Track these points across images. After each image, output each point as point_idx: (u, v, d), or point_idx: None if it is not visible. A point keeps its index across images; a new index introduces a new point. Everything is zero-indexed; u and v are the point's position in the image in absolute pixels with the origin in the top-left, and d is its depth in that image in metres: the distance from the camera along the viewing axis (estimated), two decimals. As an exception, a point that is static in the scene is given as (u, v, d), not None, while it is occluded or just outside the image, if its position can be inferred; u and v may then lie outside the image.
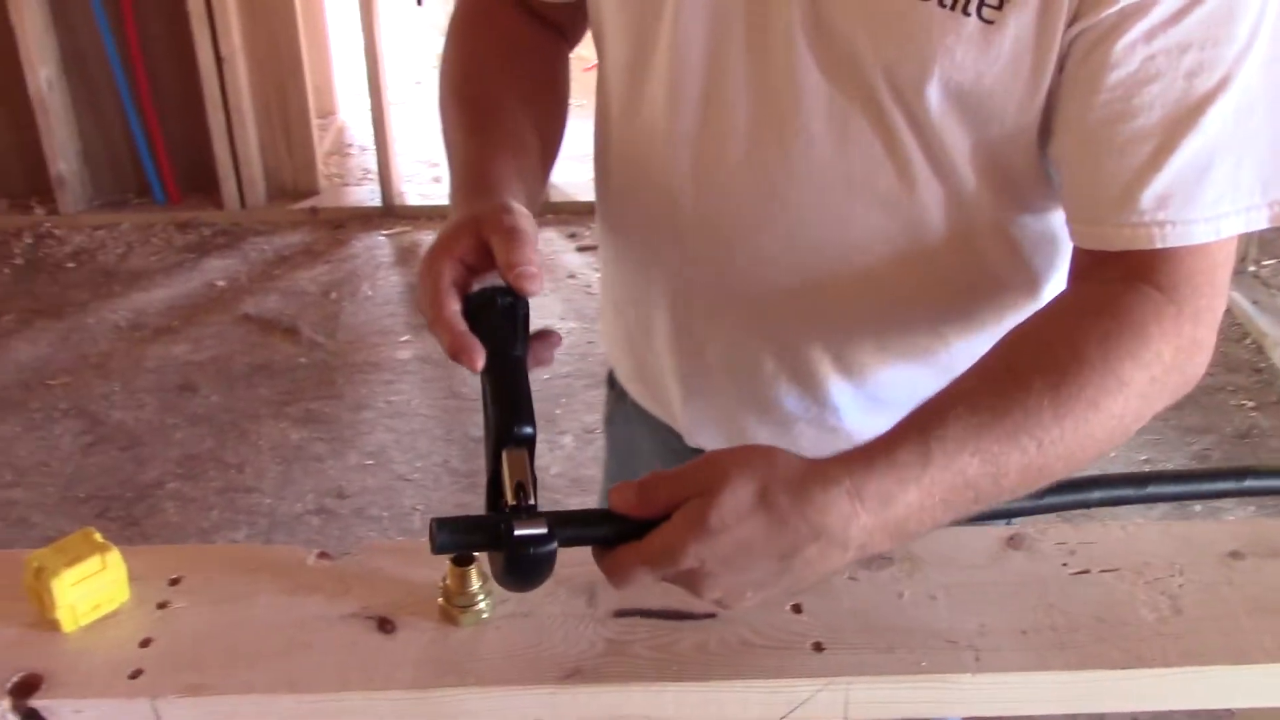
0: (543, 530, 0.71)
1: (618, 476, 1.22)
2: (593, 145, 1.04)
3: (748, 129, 0.88)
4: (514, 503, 0.73)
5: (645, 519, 0.72)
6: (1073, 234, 0.83)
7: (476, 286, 0.81)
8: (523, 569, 0.72)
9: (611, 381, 1.22)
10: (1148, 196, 0.77)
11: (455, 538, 0.73)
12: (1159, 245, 0.78)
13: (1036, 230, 0.92)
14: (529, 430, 0.75)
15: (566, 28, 1.05)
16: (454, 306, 0.78)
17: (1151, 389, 0.78)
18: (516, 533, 0.71)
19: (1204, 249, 0.78)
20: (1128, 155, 0.77)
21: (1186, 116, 0.76)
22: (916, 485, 0.72)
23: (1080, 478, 0.80)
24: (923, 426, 0.74)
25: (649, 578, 0.72)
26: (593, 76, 1.02)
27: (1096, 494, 0.79)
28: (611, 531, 0.73)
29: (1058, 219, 0.89)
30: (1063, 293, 0.85)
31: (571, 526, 0.73)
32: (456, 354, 0.76)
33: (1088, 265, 0.83)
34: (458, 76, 1.00)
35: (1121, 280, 0.79)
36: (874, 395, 0.98)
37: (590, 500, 2.03)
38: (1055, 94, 0.80)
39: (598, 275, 1.14)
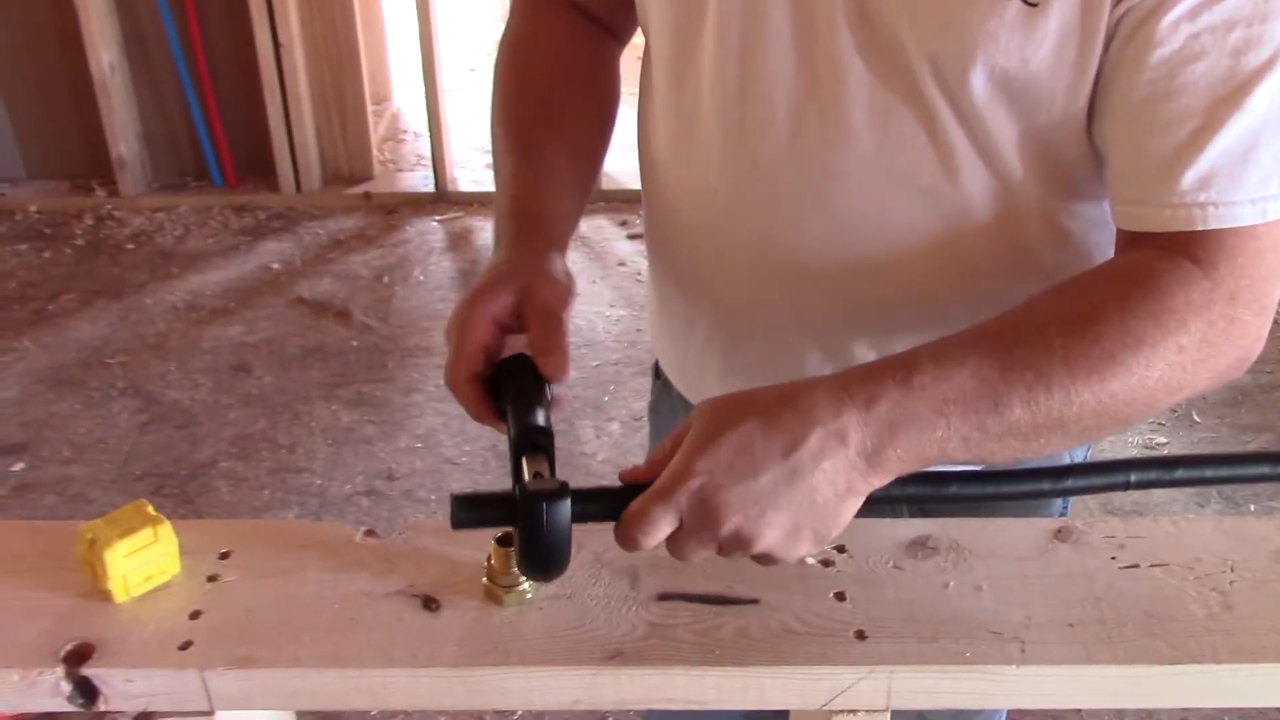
0: (556, 486, 0.72)
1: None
2: (636, 136, 1.04)
3: (788, 120, 0.88)
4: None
5: (654, 477, 0.74)
6: (1114, 215, 0.83)
7: (507, 351, 0.85)
8: (540, 534, 0.72)
9: (657, 371, 1.22)
10: (1190, 177, 0.76)
11: (471, 513, 0.74)
12: (1199, 227, 0.76)
13: (1089, 218, 0.90)
14: (542, 437, 0.78)
15: (618, 27, 1.06)
16: (473, 371, 0.83)
17: (1181, 359, 0.76)
18: (531, 487, 0.72)
19: (1249, 230, 0.77)
20: (1170, 134, 0.76)
21: (1232, 95, 0.74)
22: (900, 386, 0.73)
23: (1111, 460, 0.78)
24: (919, 349, 0.76)
25: (663, 515, 0.72)
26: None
27: (1134, 475, 0.77)
28: (625, 503, 0.74)
29: (1103, 201, 0.88)
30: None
31: (585, 497, 0.74)
32: (474, 417, 0.84)
33: (1129, 244, 0.82)
34: (511, 96, 1.01)
35: (1157, 252, 0.78)
36: None
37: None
38: (1101, 75, 0.79)
39: (646, 263, 1.14)
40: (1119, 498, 2.63)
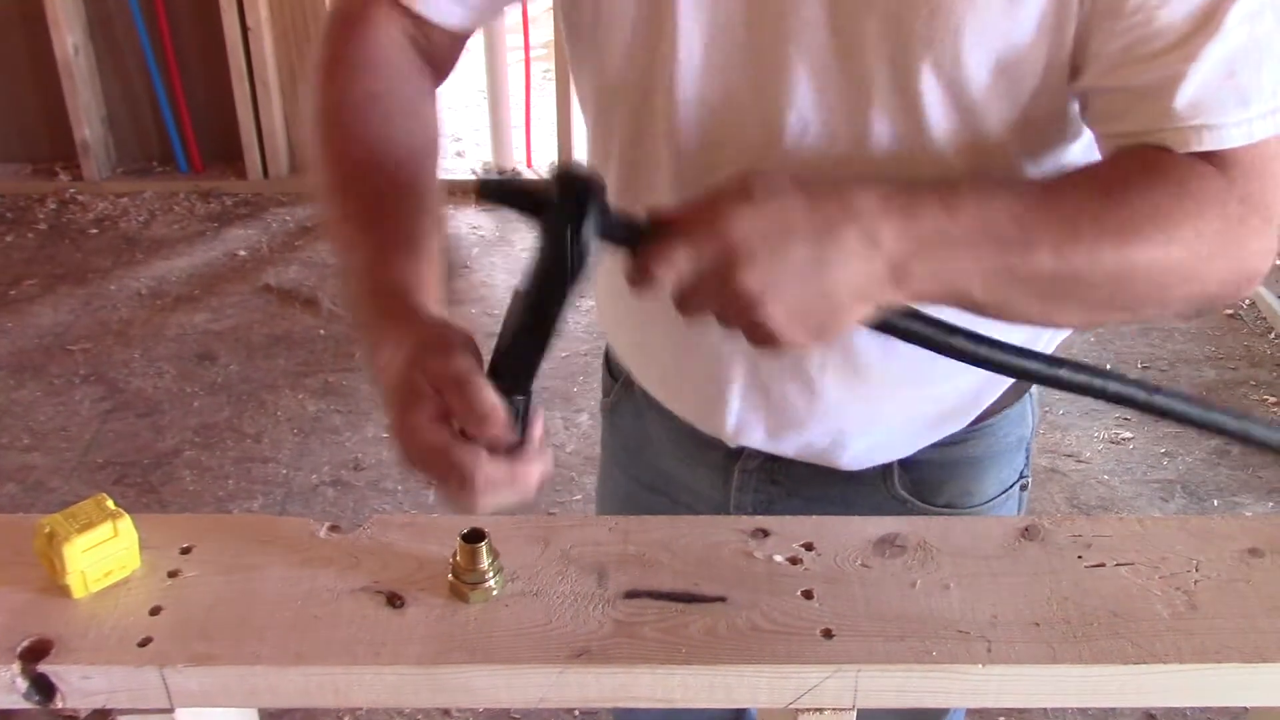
0: (597, 179, 0.70)
1: (629, 467, 1.21)
2: (587, 141, 1.02)
3: (758, 130, 0.87)
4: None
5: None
6: (1106, 151, 0.84)
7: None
8: (574, 229, 0.69)
9: (612, 370, 1.20)
10: (1179, 103, 0.78)
11: (499, 190, 0.72)
12: (1196, 148, 0.79)
13: (1053, 166, 0.91)
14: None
15: (446, 63, 0.99)
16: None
17: (1198, 246, 0.77)
18: (570, 171, 0.70)
19: (1246, 146, 0.79)
20: (1154, 70, 0.78)
21: (1204, 24, 0.77)
22: (943, 207, 0.73)
23: (1098, 367, 0.79)
24: (957, 181, 0.76)
25: (686, 258, 0.71)
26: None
27: (1113, 385, 0.78)
28: (648, 236, 0.73)
29: (1068, 154, 0.90)
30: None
31: (611, 222, 0.72)
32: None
33: None
34: (346, 168, 0.89)
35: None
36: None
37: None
38: (1080, 32, 0.80)
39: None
40: (1086, 491, 2.66)
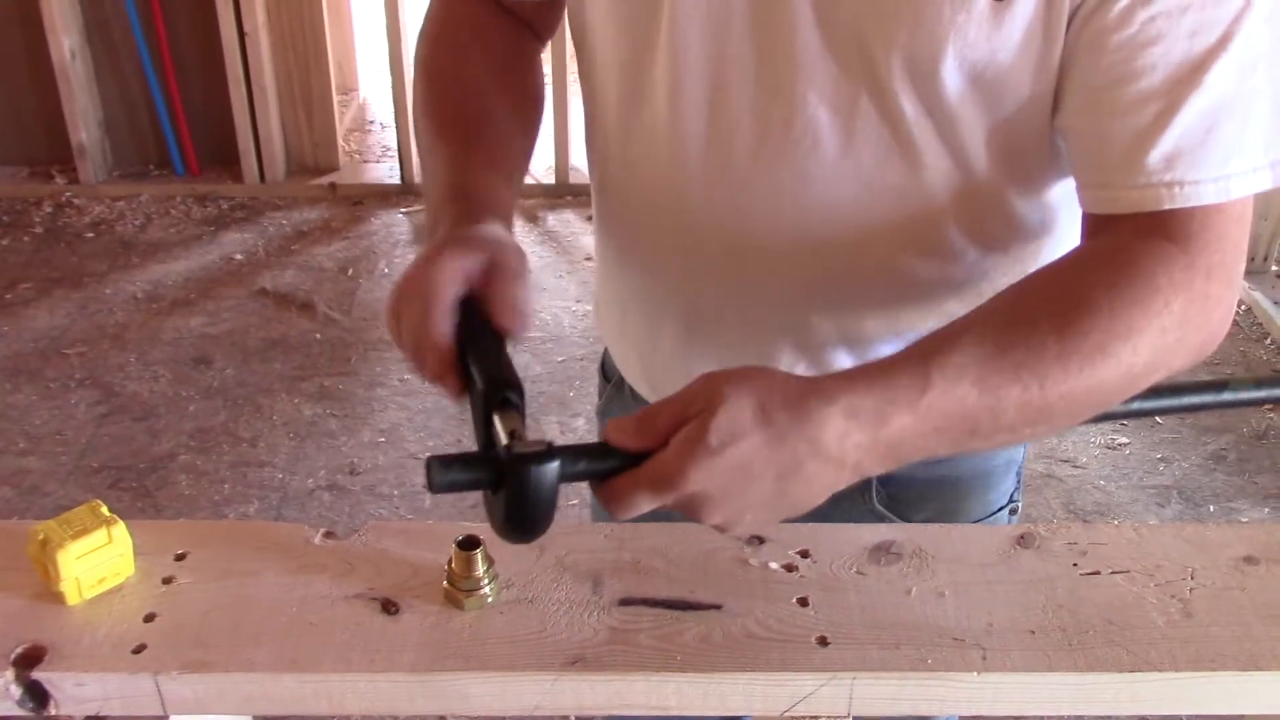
0: (544, 447, 0.69)
1: None
2: (585, 145, 1.03)
3: (754, 125, 0.87)
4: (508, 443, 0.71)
5: (645, 450, 0.71)
6: (1083, 200, 0.83)
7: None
8: (527, 497, 0.69)
9: (607, 372, 1.20)
10: (1155, 157, 0.77)
11: (451, 475, 0.70)
12: (1167, 206, 0.77)
13: (1044, 202, 0.91)
14: (513, 394, 0.74)
15: (541, 27, 1.05)
16: (449, 326, 0.77)
17: (1162, 340, 0.76)
18: (516, 450, 0.69)
19: (1216, 207, 0.77)
20: (1133, 116, 0.77)
21: (1189, 76, 0.75)
22: (911, 410, 0.72)
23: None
24: (925, 353, 0.74)
25: (649, 504, 0.72)
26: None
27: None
28: (613, 464, 0.72)
29: (1056, 189, 0.89)
30: (1075, 248, 0.84)
31: (571, 458, 0.71)
32: (437, 378, 0.77)
33: (1100, 228, 0.82)
34: (441, 89, 0.98)
35: (1133, 234, 0.79)
36: None
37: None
38: (1061, 63, 0.80)
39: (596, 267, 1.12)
40: (1082, 496, 2.65)
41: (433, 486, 0.70)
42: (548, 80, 3.96)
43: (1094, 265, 0.79)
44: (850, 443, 0.71)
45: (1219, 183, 0.77)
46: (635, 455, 0.71)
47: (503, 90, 0.97)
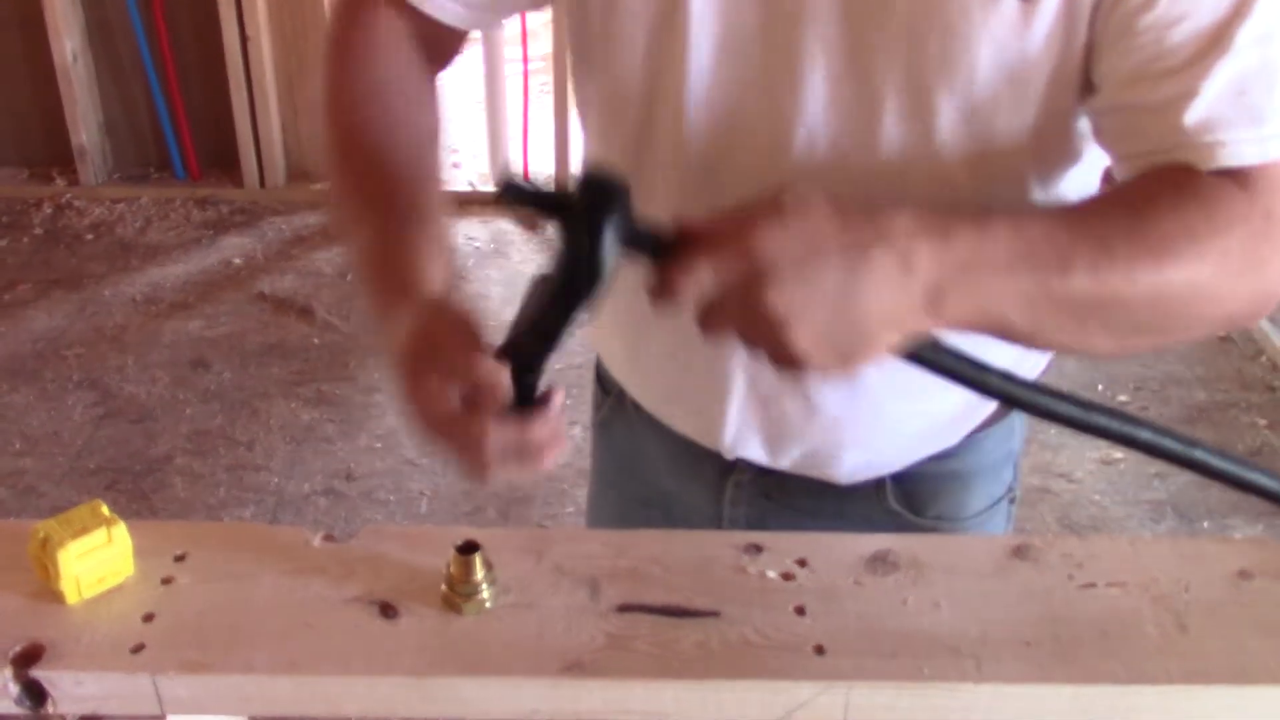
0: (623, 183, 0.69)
1: (621, 482, 1.22)
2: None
3: (772, 143, 0.87)
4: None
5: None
6: (1126, 171, 0.84)
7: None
8: (595, 232, 0.68)
9: (604, 385, 1.20)
10: (1190, 120, 0.78)
11: (522, 192, 0.70)
12: (1212, 165, 0.78)
13: (1063, 183, 0.92)
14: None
15: (447, 55, 1.01)
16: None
17: (1225, 263, 0.77)
18: (595, 176, 0.69)
19: (1265, 164, 0.78)
20: (1166, 88, 0.78)
21: (1215, 43, 0.77)
22: (978, 231, 0.72)
23: (1133, 415, 0.78)
24: (989, 210, 0.75)
25: (708, 271, 0.70)
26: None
27: (1144, 434, 0.77)
28: (674, 248, 0.71)
29: (1070, 174, 0.90)
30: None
31: (637, 231, 0.70)
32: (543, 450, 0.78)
33: None
34: (348, 131, 0.93)
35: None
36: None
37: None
38: (1090, 51, 0.81)
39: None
40: (1077, 511, 2.66)
41: (501, 195, 0.70)
42: (548, 88, 3.98)
43: (1160, 180, 0.79)
44: (919, 247, 0.70)
45: (1254, 144, 0.78)
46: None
47: (415, 140, 0.93)
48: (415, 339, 0.78)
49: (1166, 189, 0.78)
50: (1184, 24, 0.77)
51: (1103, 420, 0.76)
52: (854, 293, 0.69)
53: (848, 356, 0.72)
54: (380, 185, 0.89)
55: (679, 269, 0.70)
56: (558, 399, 0.78)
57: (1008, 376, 0.75)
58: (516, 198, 0.71)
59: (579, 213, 0.69)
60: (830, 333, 0.70)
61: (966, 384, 0.76)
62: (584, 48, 0.95)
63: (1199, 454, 0.78)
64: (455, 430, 0.76)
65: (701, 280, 0.70)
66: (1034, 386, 0.76)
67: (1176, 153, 0.79)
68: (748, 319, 0.71)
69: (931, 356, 0.75)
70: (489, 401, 0.75)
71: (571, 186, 0.70)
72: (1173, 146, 0.79)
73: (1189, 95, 0.78)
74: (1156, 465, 2.80)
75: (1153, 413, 2.99)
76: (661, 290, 0.72)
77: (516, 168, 4.06)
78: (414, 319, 0.79)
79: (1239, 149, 0.78)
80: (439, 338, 0.78)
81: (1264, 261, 0.79)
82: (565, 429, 0.79)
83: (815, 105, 0.85)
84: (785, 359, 0.72)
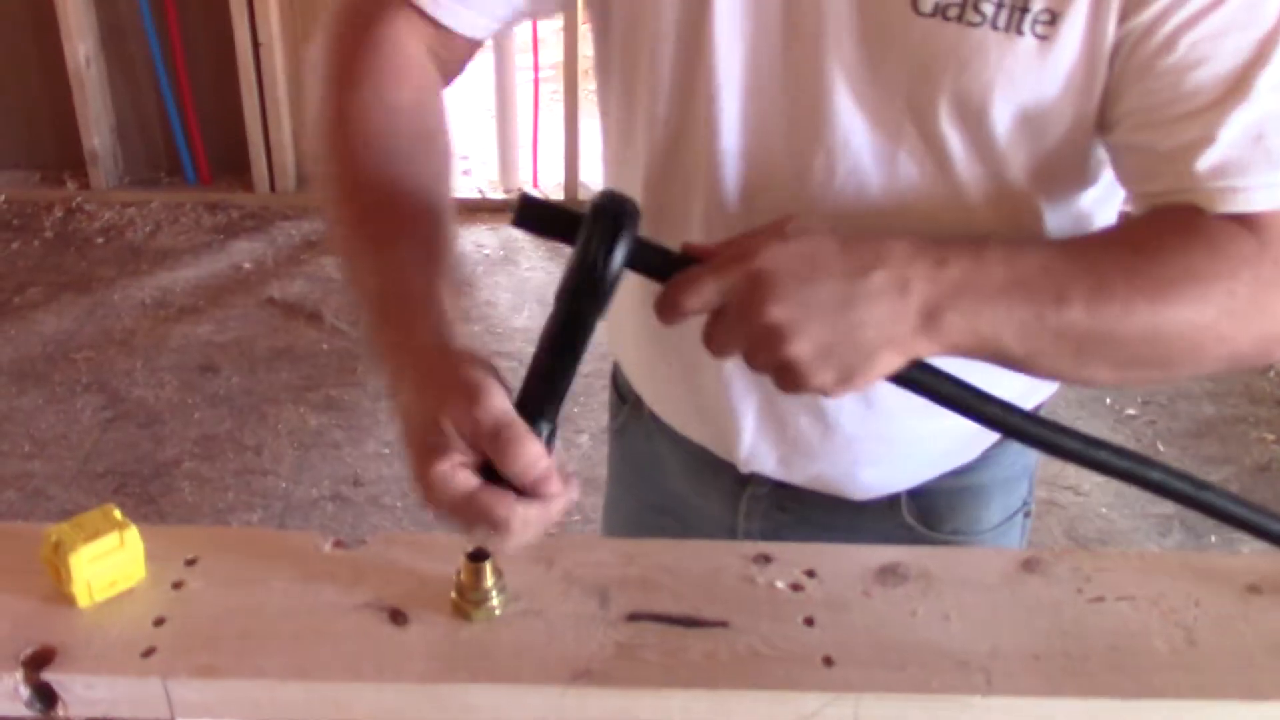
0: (631, 204, 0.71)
1: (637, 489, 1.22)
2: (604, 177, 1.03)
3: (793, 170, 0.88)
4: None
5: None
6: (1137, 205, 0.84)
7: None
8: (604, 249, 0.70)
9: (621, 393, 1.20)
10: (1204, 165, 0.78)
11: (536, 214, 0.73)
12: (1223, 209, 0.79)
13: (1075, 213, 0.92)
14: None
15: (458, 68, 0.97)
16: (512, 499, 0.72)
17: (1232, 305, 0.77)
18: (606, 197, 0.71)
19: (1276, 212, 0.79)
20: (1182, 132, 0.79)
21: (1235, 89, 0.77)
22: (974, 257, 0.74)
23: (1141, 454, 0.78)
24: (986, 237, 0.76)
25: (713, 288, 0.72)
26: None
27: (1155, 474, 0.77)
28: (680, 267, 0.74)
29: (1086, 198, 0.91)
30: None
31: (648, 243, 0.73)
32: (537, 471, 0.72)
33: None
34: (359, 164, 0.85)
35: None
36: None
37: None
38: (1109, 89, 0.81)
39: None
40: (1084, 524, 2.65)
41: (518, 219, 0.73)
42: (558, 96, 3.98)
43: (1166, 220, 0.80)
44: (915, 269, 0.72)
45: (1268, 190, 0.78)
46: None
47: (430, 176, 0.87)
48: (431, 414, 0.72)
49: (1173, 229, 0.79)
50: (1204, 68, 0.77)
51: (1104, 455, 0.77)
52: (851, 306, 0.71)
53: (848, 374, 0.73)
54: (390, 230, 0.83)
55: (682, 284, 0.72)
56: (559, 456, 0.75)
57: (1007, 406, 0.76)
58: (531, 217, 0.73)
59: (588, 232, 0.71)
60: (829, 347, 0.72)
61: (965, 412, 0.77)
62: (606, 84, 0.96)
63: (1208, 495, 0.79)
64: (476, 509, 0.72)
65: (704, 294, 0.72)
66: (1036, 419, 0.77)
67: (1189, 196, 0.79)
68: (750, 331, 0.72)
69: (931, 383, 0.76)
70: (532, 485, 0.71)
71: (584, 206, 0.72)
72: (1186, 190, 0.79)
73: (1206, 141, 0.78)
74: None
75: (1161, 426, 2.99)
76: (667, 304, 0.73)
77: (530, 189, 4.07)
78: (429, 391, 0.74)
79: (1252, 195, 0.78)
80: (462, 417, 0.71)
81: (1272, 307, 0.79)
82: (574, 483, 0.75)
83: (836, 134, 0.86)
84: (787, 376, 0.73)
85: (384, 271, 0.81)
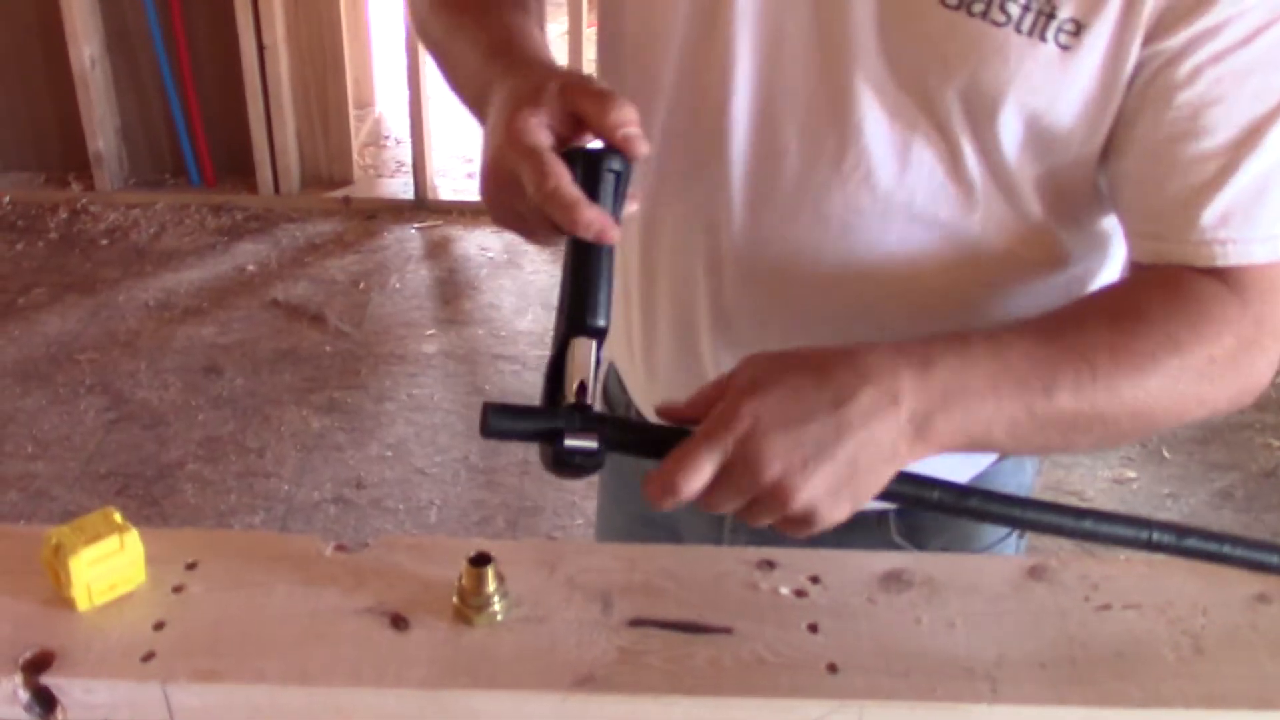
0: (593, 446, 0.72)
1: (626, 501, 1.21)
2: None
3: (803, 152, 0.87)
4: (572, 401, 0.73)
5: (695, 418, 0.73)
6: (1133, 248, 0.84)
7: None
8: (568, 472, 0.73)
9: (611, 404, 1.19)
10: (1210, 215, 0.78)
11: (505, 424, 0.72)
12: (1219, 263, 0.79)
13: (1086, 236, 0.92)
14: (602, 323, 0.75)
15: None
16: (568, 174, 0.73)
17: (1212, 370, 0.77)
18: (567, 443, 0.72)
19: (1268, 264, 0.79)
20: (1192, 174, 0.78)
21: (1249, 138, 0.77)
22: (959, 356, 0.73)
23: (1133, 516, 0.79)
24: (969, 330, 0.76)
25: (708, 459, 0.71)
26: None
27: (1154, 534, 0.78)
28: (664, 442, 0.73)
29: (1101, 223, 0.90)
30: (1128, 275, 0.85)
31: (623, 435, 0.73)
32: (585, 228, 0.72)
33: (1150, 268, 0.84)
34: None
35: (1190, 270, 0.80)
36: None
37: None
38: (1122, 113, 0.81)
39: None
40: (1087, 531, 2.64)
41: (485, 431, 0.72)
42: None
43: (1148, 285, 0.80)
44: (902, 380, 0.71)
45: (1270, 242, 0.78)
46: (685, 433, 0.73)
47: None
48: (497, 144, 0.76)
49: (1156, 297, 0.78)
50: (1221, 106, 0.76)
51: (1106, 529, 0.78)
52: (845, 435, 0.71)
53: (855, 500, 0.73)
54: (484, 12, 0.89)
55: (678, 469, 0.72)
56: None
57: (990, 496, 0.77)
58: (505, 427, 0.73)
59: (558, 459, 0.74)
60: (833, 481, 0.72)
61: (950, 513, 0.78)
62: (615, 66, 0.95)
63: (1227, 549, 0.79)
64: (540, 164, 0.73)
65: (704, 474, 0.72)
66: (1024, 504, 0.78)
67: (1185, 249, 0.79)
68: (753, 492, 0.72)
69: (911, 493, 0.76)
70: (553, 209, 0.72)
71: (554, 412, 0.74)
72: (1182, 240, 0.79)
73: (1211, 189, 0.77)
74: (1170, 485, 2.79)
75: (1165, 433, 2.98)
76: (666, 491, 0.73)
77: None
78: (503, 99, 0.77)
79: (1252, 248, 0.78)
80: (558, 75, 0.76)
81: (1251, 364, 0.79)
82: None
83: (854, 119, 0.85)
84: (799, 525, 0.74)
85: (491, 29, 0.87)
